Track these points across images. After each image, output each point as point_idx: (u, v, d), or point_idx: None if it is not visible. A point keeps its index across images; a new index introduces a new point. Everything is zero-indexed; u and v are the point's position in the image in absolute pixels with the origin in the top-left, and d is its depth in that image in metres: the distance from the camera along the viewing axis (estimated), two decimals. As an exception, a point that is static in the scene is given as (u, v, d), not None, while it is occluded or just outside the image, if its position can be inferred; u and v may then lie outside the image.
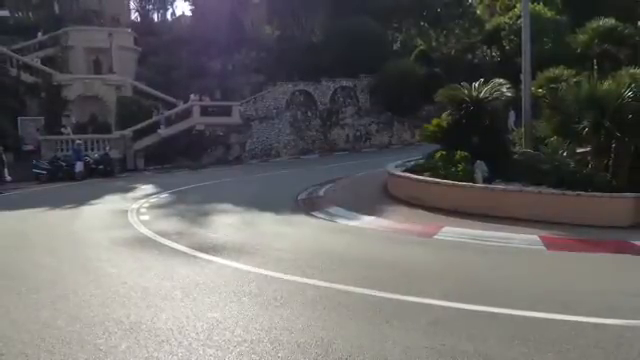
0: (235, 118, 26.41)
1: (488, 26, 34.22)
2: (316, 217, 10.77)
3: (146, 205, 12.72)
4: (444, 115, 13.43)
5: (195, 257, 7.25)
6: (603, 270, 6.96)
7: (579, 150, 11.64)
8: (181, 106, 26.43)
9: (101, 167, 21.28)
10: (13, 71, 25.02)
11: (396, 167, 13.79)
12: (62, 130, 23.98)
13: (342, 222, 10.23)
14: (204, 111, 25.83)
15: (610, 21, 24.55)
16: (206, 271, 6.52)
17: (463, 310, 4.97)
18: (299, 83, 29.18)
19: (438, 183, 11.20)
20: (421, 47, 34.52)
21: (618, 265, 7.22)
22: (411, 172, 12.61)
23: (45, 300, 5.43)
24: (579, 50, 24.16)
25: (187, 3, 43.05)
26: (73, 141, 21.98)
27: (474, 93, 12.47)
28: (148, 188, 16.67)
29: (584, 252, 7.78)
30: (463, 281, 6.06)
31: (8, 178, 17.72)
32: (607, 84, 10.66)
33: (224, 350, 4.08)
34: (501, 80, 12.78)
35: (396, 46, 35.89)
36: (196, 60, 30.22)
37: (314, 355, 3.96)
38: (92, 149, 22.75)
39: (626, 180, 9.89)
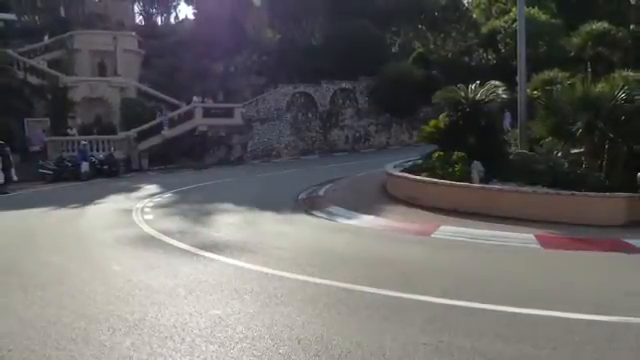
0: (237, 119, 26.62)
1: (484, 29, 34.42)
2: (316, 216, 10.85)
3: (150, 205, 12.80)
4: (441, 116, 13.51)
5: (198, 255, 7.32)
6: (597, 268, 7.03)
7: (573, 151, 11.68)
8: (184, 107, 26.62)
9: (106, 167, 21.43)
10: (20, 74, 25.18)
11: (395, 167, 13.89)
12: (68, 131, 24.15)
13: (342, 221, 10.31)
14: (206, 112, 26.06)
15: (603, 25, 24.72)
16: (209, 269, 6.60)
17: (460, 307, 5.04)
18: (299, 85, 29.37)
19: (436, 183, 11.30)
20: (419, 50, 34.74)
21: (612, 263, 7.29)
22: (409, 172, 12.73)
23: (51, 297, 5.51)
24: (573, 53, 24.36)
25: (190, 7, 42.89)
26: (78, 142, 22.18)
27: (471, 95, 12.57)
28: (152, 188, 16.75)
29: (579, 250, 7.81)
30: (460, 279, 6.12)
31: (15, 178, 17.90)
32: (601, 86, 10.78)
33: (226, 347, 4.14)
34: (497, 82, 12.86)
35: (395, 49, 35.96)
36: (199, 62, 30.29)
37: (314, 351, 4.03)
38: (97, 150, 22.94)
39: (620, 180, 9.96)
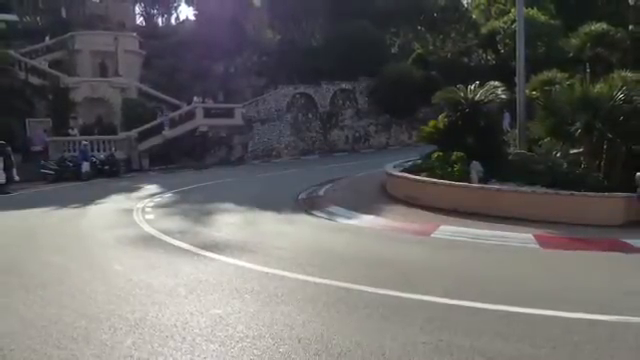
0: (237, 120, 26.69)
1: (484, 30, 34.56)
2: (316, 216, 10.88)
3: (151, 204, 12.82)
4: (441, 117, 13.51)
5: (198, 255, 7.34)
6: (596, 268, 7.05)
7: (572, 151, 11.73)
8: (185, 108, 26.69)
9: (107, 167, 21.48)
10: (22, 74, 25.24)
11: (394, 167, 13.92)
12: (69, 131, 24.23)
13: (341, 221, 10.33)
14: (207, 113, 26.13)
15: (602, 26, 24.82)
16: (209, 269, 6.62)
17: (460, 307, 5.06)
18: (300, 86, 29.45)
19: (435, 183, 11.34)
20: (418, 51, 34.83)
21: (611, 263, 7.32)
22: (409, 172, 12.77)
23: (52, 297, 5.52)
24: (572, 53, 24.45)
25: (191, 8, 43.04)
26: (80, 142, 22.23)
27: (470, 95, 12.60)
28: (152, 188, 16.77)
29: (578, 250, 7.84)
30: (459, 278, 6.15)
31: (16, 178, 17.97)
32: (599, 87, 10.81)
33: (227, 346, 4.16)
34: (496, 83, 12.88)
35: (394, 50, 36.05)
36: (199, 63, 30.33)
37: (314, 350, 4.04)
38: (98, 150, 23.00)
39: (618, 180, 10.00)
